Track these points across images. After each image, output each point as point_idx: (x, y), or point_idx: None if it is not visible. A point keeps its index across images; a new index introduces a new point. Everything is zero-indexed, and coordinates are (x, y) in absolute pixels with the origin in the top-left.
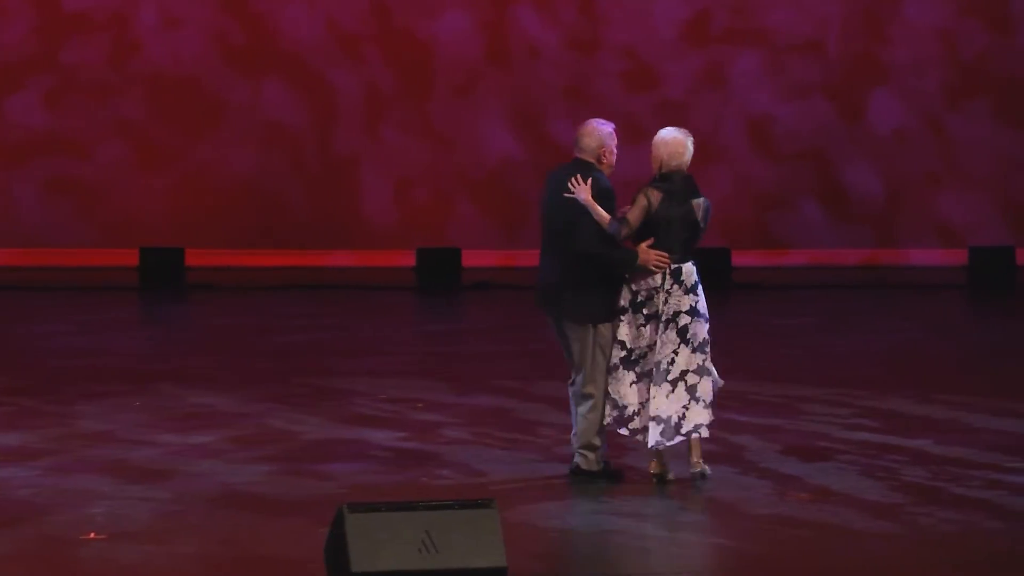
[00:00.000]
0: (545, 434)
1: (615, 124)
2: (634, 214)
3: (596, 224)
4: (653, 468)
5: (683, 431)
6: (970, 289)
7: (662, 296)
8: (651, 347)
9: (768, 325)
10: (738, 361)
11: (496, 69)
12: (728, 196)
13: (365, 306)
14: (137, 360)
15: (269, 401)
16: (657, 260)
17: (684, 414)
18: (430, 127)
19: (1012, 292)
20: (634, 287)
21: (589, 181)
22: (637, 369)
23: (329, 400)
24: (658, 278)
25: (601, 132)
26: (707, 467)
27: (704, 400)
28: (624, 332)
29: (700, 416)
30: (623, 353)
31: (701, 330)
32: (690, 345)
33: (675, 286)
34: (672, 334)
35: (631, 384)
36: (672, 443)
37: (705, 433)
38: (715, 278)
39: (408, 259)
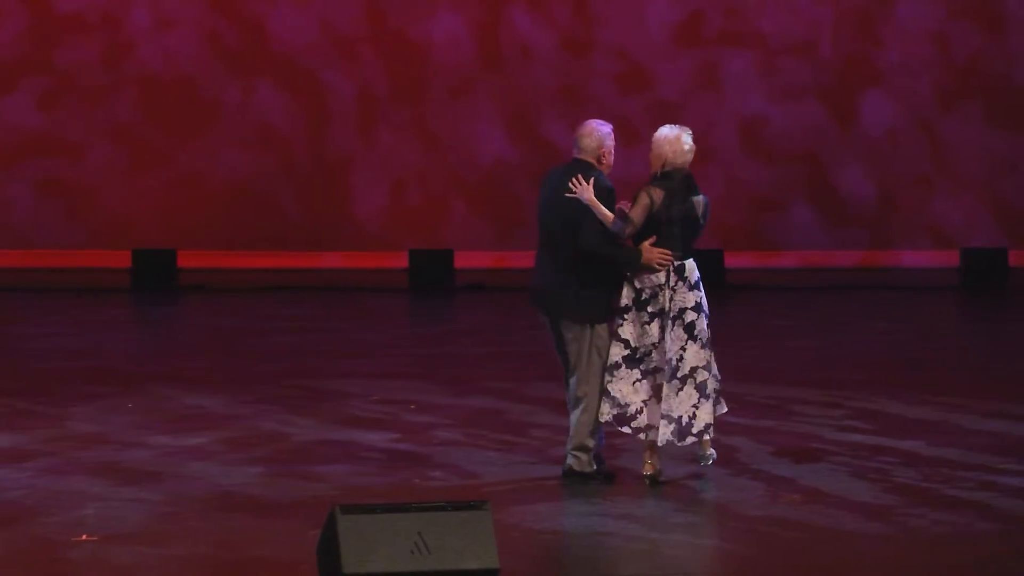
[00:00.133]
0: (538, 435)
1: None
2: (636, 213)
3: (599, 223)
4: (646, 470)
5: (694, 431)
6: (962, 291)
7: (667, 293)
8: (655, 345)
9: (761, 327)
10: (730, 362)
11: (489, 71)
12: (721, 197)
13: (358, 308)
14: (129, 362)
15: (261, 403)
16: (660, 258)
17: (694, 413)
18: (423, 129)
19: (1004, 294)
20: (638, 285)
21: (591, 181)
22: (641, 367)
23: (322, 402)
24: (661, 275)
25: (601, 132)
26: (713, 451)
27: (710, 396)
28: (628, 331)
29: (709, 415)
30: (626, 352)
31: (705, 326)
32: (698, 341)
33: (679, 283)
34: (679, 331)
35: (634, 383)
36: (682, 444)
37: (712, 433)
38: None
39: (401, 261)
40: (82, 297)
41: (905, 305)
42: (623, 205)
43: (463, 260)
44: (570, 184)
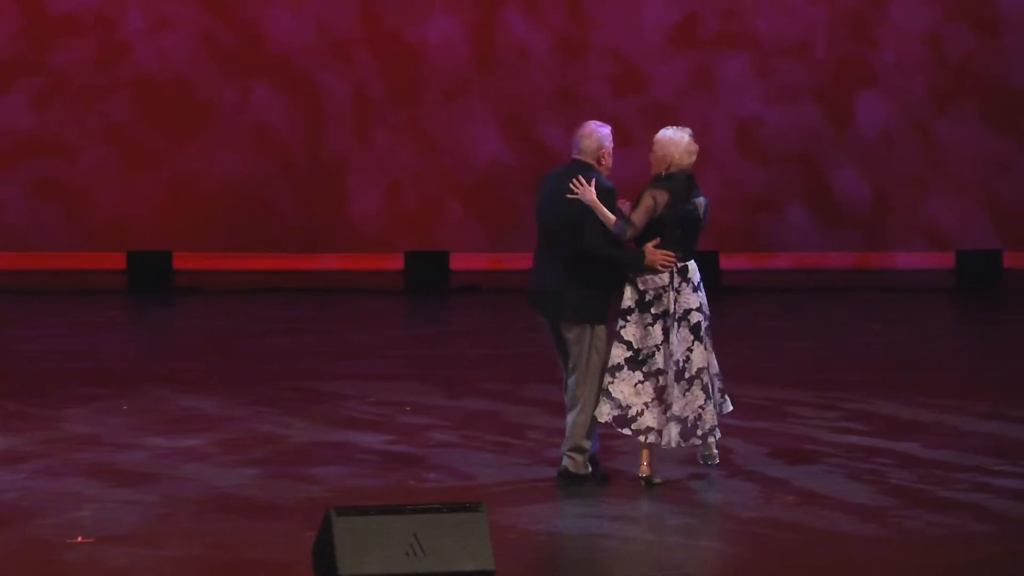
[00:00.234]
0: (534, 437)
1: None
2: (639, 215)
3: (602, 224)
4: (642, 471)
5: (699, 433)
6: (957, 292)
7: (671, 295)
8: (658, 347)
9: (755, 328)
10: (725, 364)
11: (484, 73)
12: (716, 199)
13: (353, 309)
14: (125, 363)
15: (257, 404)
16: (664, 259)
17: (700, 415)
18: (419, 130)
19: (999, 295)
20: (641, 287)
21: (592, 182)
22: (644, 369)
23: (317, 403)
24: (665, 276)
25: (600, 134)
26: (717, 453)
27: (714, 398)
28: (630, 332)
29: (714, 417)
30: (629, 353)
31: (707, 327)
32: (703, 342)
33: (683, 284)
34: (685, 332)
35: (636, 385)
36: (687, 444)
37: (719, 435)
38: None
39: (396, 262)
40: (77, 299)
41: (900, 306)
42: (622, 204)
43: (459, 261)
44: (571, 185)
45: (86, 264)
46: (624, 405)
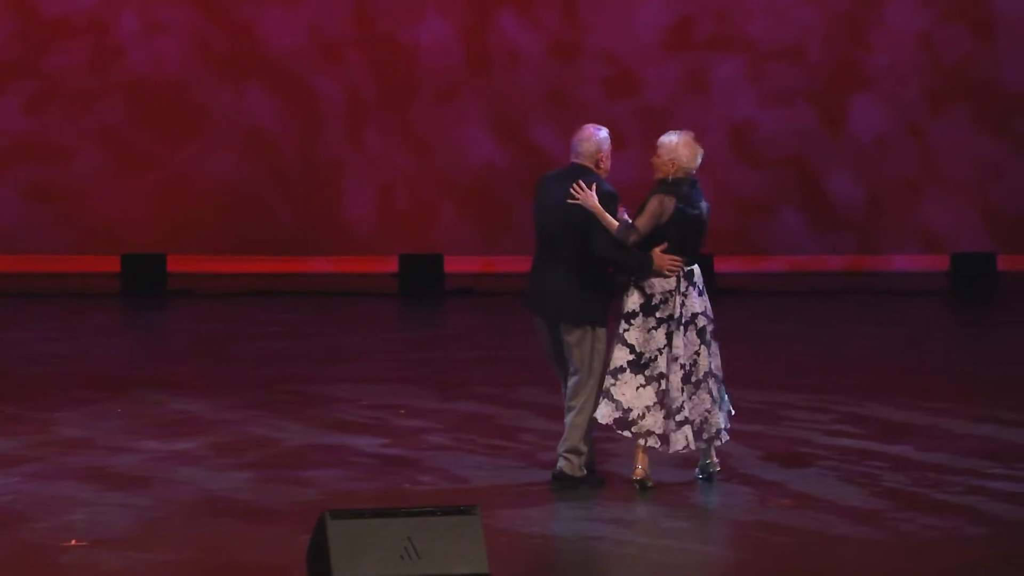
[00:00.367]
0: (527, 440)
1: None
2: (644, 220)
3: (607, 228)
4: (637, 474)
5: (704, 437)
6: (952, 295)
7: (678, 299)
8: (660, 351)
9: (749, 331)
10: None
11: (477, 75)
12: (710, 202)
13: (347, 312)
14: (118, 366)
15: (250, 408)
16: (671, 264)
17: (706, 418)
18: (412, 133)
19: (993, 298)
20: (648, 291)
21: (592, 186)
22: (646, 372)
23: (311, 406)
24: (672, 281)
25: (598, 137)
26: (718, 461)
27: (719, 401)
28: (634, 336)
29: (721, 421)
30: (631, 357)
31: (712, 330)
32: (709, 346)
33: (689, 288)
34: (692, 336)
35: (638, 388)
36: (694, 447)
37: (726, 437)
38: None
39: (390, 265)
40: (71, 302)
41: (894, 309)
42: (622, 212)
43: (452, 264)
44: (572, 190)
45: (80, 267)
46: (625, 408)
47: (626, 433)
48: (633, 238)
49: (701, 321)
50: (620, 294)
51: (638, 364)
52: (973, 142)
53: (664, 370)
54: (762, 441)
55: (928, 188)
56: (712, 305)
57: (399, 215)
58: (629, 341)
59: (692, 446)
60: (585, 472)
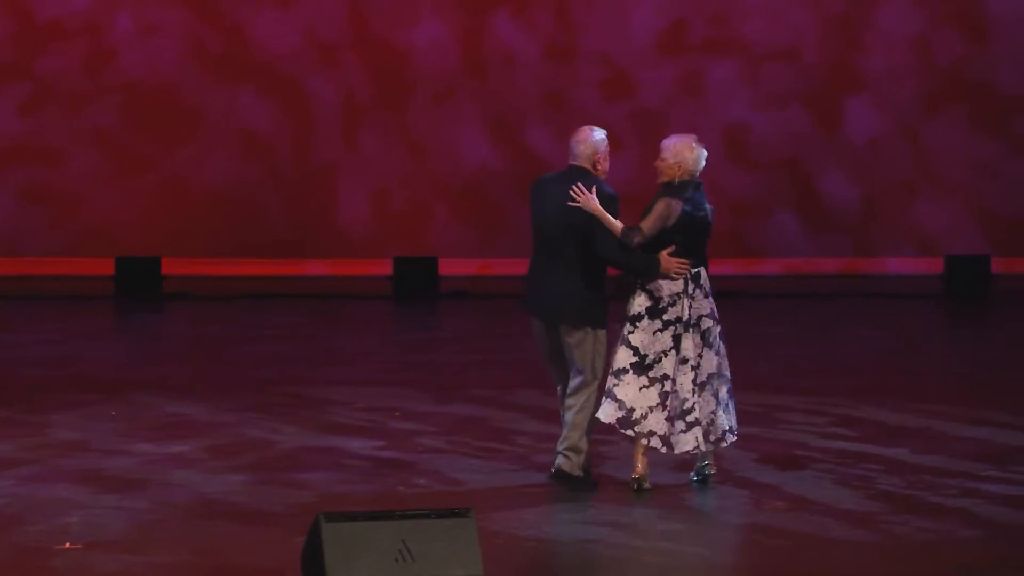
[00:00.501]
0: (522, 443)
1: None
2: (650, 222)
3: (610, 231)
4: (636, 472)
5: (711, 439)
6: (946, 298)
7: (686, 301)
8: (665, 353)
9: (744, 334)
10: None
11: (473, 77)
12: None
13: (342, 315)
14: (113, 369)
15: (245, 410)
16: (678, 267)
17: (712, 419)
18: (407, 135)
19: (987, 301)
20: (656, 293)
21: (592, 189)
22: (649, 374)
23: (305, 409)
24: (680, 283)
25: (595, 139)
26: (714, 468)
27: (724, 403)
28: (638, 338)
29: (726, 422)
30: (635, 359)
31: (718, 332)
32: (713, 348)
33: (696, 290)
34: (697, 338)
35: (641, 388)
36: (704, 449)
37: (733, 438)
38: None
39: (385, 268)
40: (66, 304)
41: (889, 312)
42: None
43: (447, 267)
44: (572, 193)
45: (74, 270)
46: (628, 407)
47: (629, 432)
48: (638, 239)
49: (706, 323)
50: (626, 297)
51: (641, 366)
52: (967, 144)
53: (668, 372)
54: (757, 444)
55: (923, 190)
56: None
57: (394, 218)
58: (633, 343)
59: (702, 447)
60: (582, 473)
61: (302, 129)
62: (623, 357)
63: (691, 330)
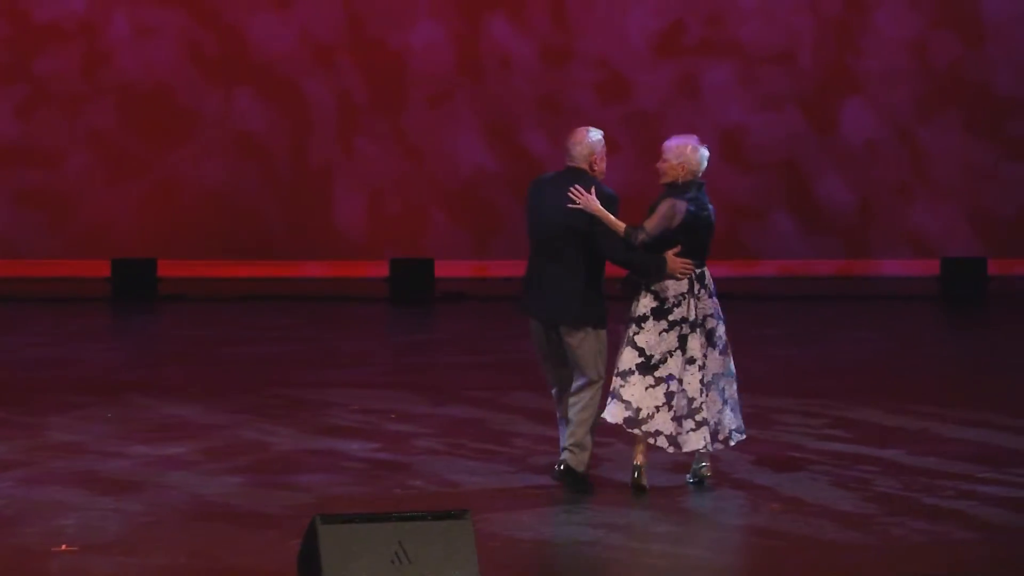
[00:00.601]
0: (519, 444)
1: None
2: (654, 222)
3: (614, 231)
4: (636, 460)
5: (720, 438)
6: (942, 300)
7: (691, 301)
8: (671, 353)
9: (740, 336)
10: None
11: (469, 80)
12: None
13: (338, 317)
14: (108, 371)
15: (241, 412)
16: (683, 267)
17: (719, 419)
18: (403, 138)
19: (983, 303)
20: (662, 294)
21: (592, 189)
22: (655, 374)
23: (302, 411)
24: (685, 283)
25: (591, 139)
26: (710, 471)
27: (732, 403)
28: (644, 339)
29: (733, 421)
30: (640, 360)
31: (723, 332)
32: (717, 348)
33: (701, 290)
34: (703, 338)
35: (647, 388)
36: (712, 450)
37: (740, 437)
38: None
39: (381, 270)
40: (61, 306)
41: (884, 314)
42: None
43: (444, 269)
44: (571, 195)
45: (70, 272)
46: (635, 407)
47: (636, 431)
48: (642, 237)
49: (710, 323)
50: (631, 297)
51: (647, 366)
52: (963, 147)
53: (674, 372)
54: (753, 446)
55: (918, 193)
56: None
57: (390, 220)
58: (639, 344)
59: (710, 447)
60: (585, 471)
61: (298, 131)
62: (629, 358)
63: (697, 330)
